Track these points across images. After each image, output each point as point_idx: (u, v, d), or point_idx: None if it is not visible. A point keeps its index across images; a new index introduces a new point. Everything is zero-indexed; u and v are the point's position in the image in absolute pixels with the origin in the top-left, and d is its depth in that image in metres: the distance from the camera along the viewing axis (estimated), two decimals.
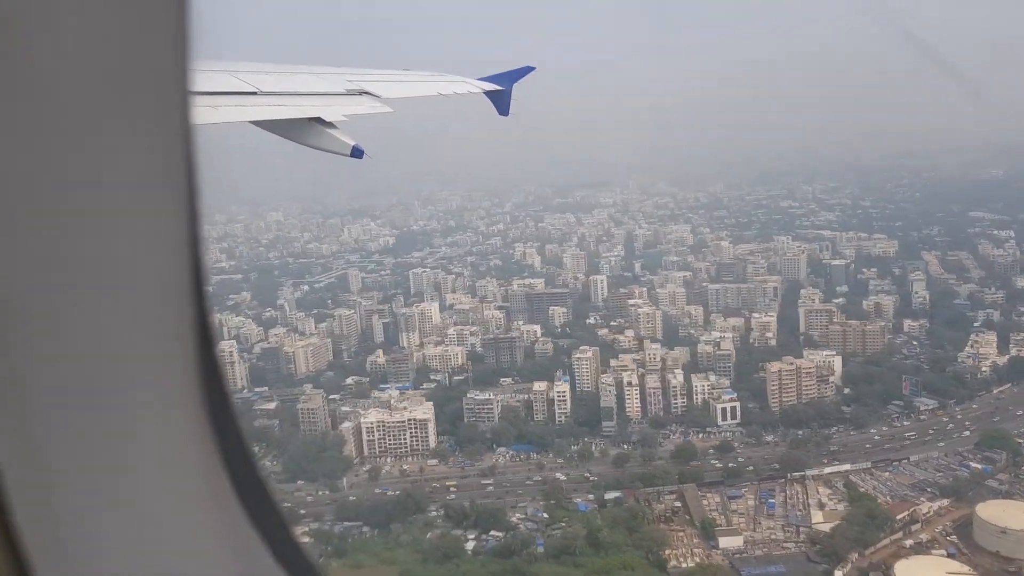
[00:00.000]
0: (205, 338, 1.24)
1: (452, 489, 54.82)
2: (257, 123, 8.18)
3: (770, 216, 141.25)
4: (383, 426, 61.89)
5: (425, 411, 62.49)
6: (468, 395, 65.27)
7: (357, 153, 8.61)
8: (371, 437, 61.86)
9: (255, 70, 8.72)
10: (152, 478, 1.22)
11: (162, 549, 1.29)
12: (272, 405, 72.24)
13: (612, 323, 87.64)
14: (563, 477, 55.39)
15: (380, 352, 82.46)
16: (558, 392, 64.80)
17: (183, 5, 1.02)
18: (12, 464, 0.97)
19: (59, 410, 1.02)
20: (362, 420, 62.42)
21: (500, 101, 13.67)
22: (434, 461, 60.45)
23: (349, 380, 77.47)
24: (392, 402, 66.34)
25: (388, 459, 61.29)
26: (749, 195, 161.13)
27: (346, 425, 62.58)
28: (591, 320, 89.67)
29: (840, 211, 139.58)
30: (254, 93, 8.10)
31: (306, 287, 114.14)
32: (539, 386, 66.57)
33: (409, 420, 61.77)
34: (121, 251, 1.05)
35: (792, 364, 64.15)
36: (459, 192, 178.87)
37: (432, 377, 76.44)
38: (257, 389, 77.52)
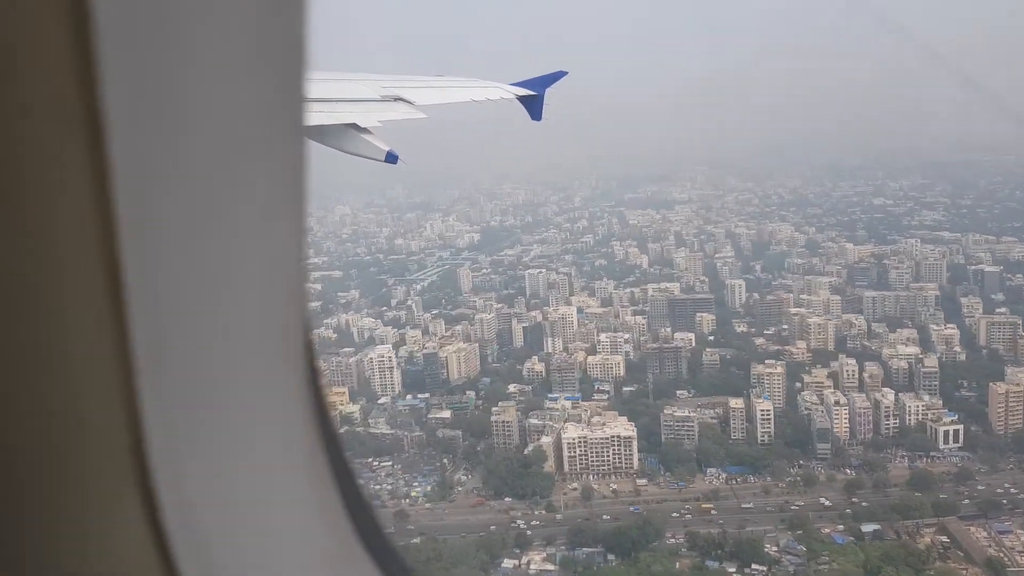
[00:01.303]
0: (308, 342, 1.30)
1: (712, 512, 52.16)
2: None
3: (870, 215, 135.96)
4: (585, 442, 59.57)
5: (627, 428, 60.02)
6: (666, 411, 62.68)
7: (391, 158, 8.81)
8: (572, 453, 59.59)
9: None
10: (264, 477, 1.30)
11: (272, 549, 1.35)
12: (447, 414, 70.41)
13: (766, 331, 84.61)
14: (827, 503, 52.57)
15: (535, 359, 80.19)
16: (761, 410, 62.02)
17: (302, 16, 1.08)
18: (161, 459, 1.05)
19: (195, 412, 1.11)
20: (563, 435, 60.12)
21: (533, 106, 13.74)
22: (643, 481, 58.09)
23: (511, 388, 75.29)
24: (583, 416, 64.10)
25: (590, 477, 59.02)
26: (834, 191, 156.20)
27: (545, 440, 60.32)
28: (741, 328, 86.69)
29: (943, 210, 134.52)
30: None
31: (418, 285, 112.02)
32: (735, 403, 63.82)
33: (613, 437, 59.38)
34: (245, 257, 1.11)
35: (1020, 385, 60.85)
36: (522, 186, 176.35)
37: (599, 388, 73.99)
38: (420, 395, 75.71)
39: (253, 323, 1.18)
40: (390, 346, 79.62)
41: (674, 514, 52.83)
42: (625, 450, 59.30)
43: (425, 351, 79.18)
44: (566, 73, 14.56)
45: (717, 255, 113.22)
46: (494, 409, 65.37)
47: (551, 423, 62.79)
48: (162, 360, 1.04)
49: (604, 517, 52.13)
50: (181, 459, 1.11)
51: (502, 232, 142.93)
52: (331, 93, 9.58)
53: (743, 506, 52.57)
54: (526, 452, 60.62)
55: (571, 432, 60.01)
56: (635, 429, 59.67)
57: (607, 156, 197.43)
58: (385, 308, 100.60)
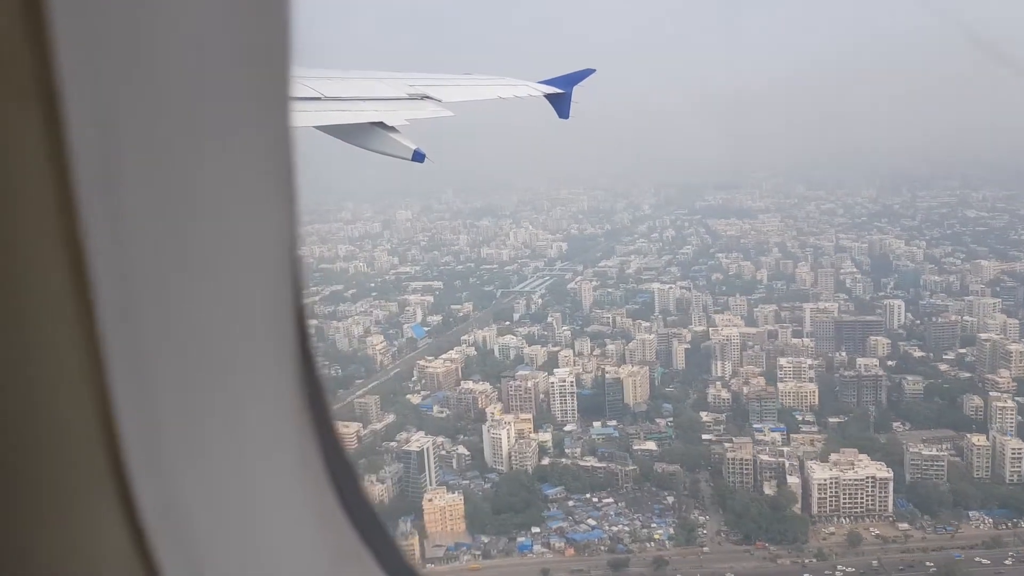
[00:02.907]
0: (303, 336, 1.29)
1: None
2: (321, 128, 8.29)
3: (971, 228, 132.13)
4: (837, 483, 56.28)
5: (881, 469, 56.75)
6: (911, 448, 59.40)
7: (418, 157, 8.70)
8: (823, 495, 56.33)
9: (319, 76, 8.83)
10: (252, 474, 1.28)
11: (263, 547, 1.34)
12: (652, 445, 67.25)
13: (946, 356, 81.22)
14: None
15: (718, 384, 76.99)
16: (1012, 449, 58.77)
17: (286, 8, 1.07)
18: (138, 454, 1.03)
19: (174, 406, 1.09)
20: (811, 475, 56.84)
21: (560, 104, 13.53)
22: (904, 525, 54.87)
23: (704, 417, 72.09)
24: (805, 450, 61.00)
25: (842, 520, 55.77)
26: (916, 202, 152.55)
27: (792, 480, 57.08)
28: (916, 352, 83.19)
29: None
30: (318, 99, 8.23)
31: (538, 299, 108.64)
32: (977, 439, 60.55)
33: (868, 478, 56.09)
34: (231, 248, 1.10)
35: None
36: (581, 192, 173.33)
37: (800, 418, 70.55)
38: (609, 423, 72.47)
39: (238, 313, 1.15)
40: (569, 370, 76.43)
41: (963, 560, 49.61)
42: (880, 492, 56.02)
43: (606, 374, 75.88)
44: (594, 71, 14.29)
45: (841, 270, 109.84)
46: (727, 446, 61.89)
47: (785, 460, 59.56)
48: (136, 354, 1.01)
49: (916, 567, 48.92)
50: (160, 455, 1.08)
51: (586, 241, 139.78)
52: (357, 92, 9.39)
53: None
54: (768, 492, 57.34)
55: (820, 472, 56.69)
56: (890, 471, 56.39)
57: (651, 161, 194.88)
58: (507, 323, 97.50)
